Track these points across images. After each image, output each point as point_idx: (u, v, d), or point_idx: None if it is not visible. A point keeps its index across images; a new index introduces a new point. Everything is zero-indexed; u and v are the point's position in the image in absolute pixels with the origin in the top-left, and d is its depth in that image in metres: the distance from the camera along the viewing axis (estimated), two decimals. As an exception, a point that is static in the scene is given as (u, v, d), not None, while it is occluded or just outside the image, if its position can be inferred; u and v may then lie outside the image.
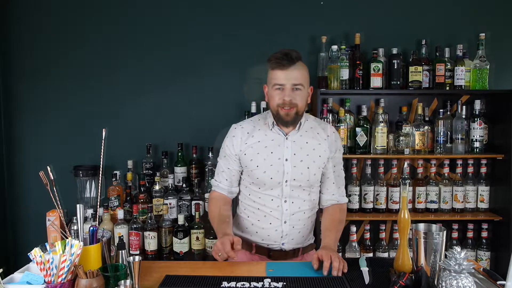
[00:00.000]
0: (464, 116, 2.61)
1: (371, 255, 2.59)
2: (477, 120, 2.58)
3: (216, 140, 2.75)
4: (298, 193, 1.71)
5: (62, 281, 1.20)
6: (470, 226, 2.60)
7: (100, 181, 1.53)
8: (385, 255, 2.60)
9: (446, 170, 2.64)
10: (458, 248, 1.17)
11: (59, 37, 2.80)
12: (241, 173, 1.80)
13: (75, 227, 1.40)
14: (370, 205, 2.64)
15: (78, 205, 1.37)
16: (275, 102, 1.64)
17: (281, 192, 1.69)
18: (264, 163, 1.68)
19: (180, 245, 2.37)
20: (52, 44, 2.80)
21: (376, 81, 2.56)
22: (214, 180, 1.84)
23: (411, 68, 2.56)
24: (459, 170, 2.66)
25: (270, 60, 1.64)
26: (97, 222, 1.56)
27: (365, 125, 2.59)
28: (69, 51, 2.80)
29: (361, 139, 2.58)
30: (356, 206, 2.63)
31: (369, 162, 2.66)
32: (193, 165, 2.68)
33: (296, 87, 1.62)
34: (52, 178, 1.40)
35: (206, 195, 2.52)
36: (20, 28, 2.80)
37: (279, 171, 1.67)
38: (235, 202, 1.91)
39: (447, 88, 2.60)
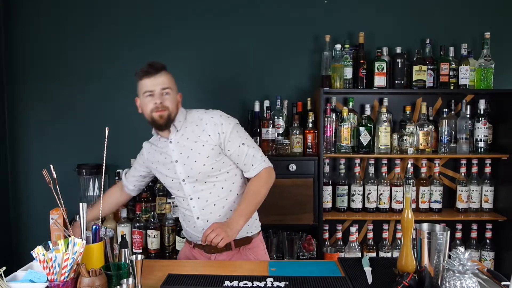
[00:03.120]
0: (468, 116, 2.60)
1: (374, 255, 2.59)
2: (481, 119, 2.56)
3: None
4: (201, 188, 1.75)
5: (65, 280, 1.20)
6: (474, 226, 2.59)
7: (103, 180, 1.53)
8: (388, 255, 2.60)
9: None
10: (462, 249, 1.16)
11: (62, 37, 2.80)
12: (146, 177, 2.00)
13: (78, 226, 1.40)
14: (373, 205, 2.63)
15: (81, 204, 1.37)
16: (148, 108, 1.74)
17: (184, 191, 1.77)
18: (164, 168, 1.81)
19: (182, 244, 2.37)
20: (55, 43, 2.80)
21: (380, 80, 2.55)
22: (126, 176, 2.04)
23: (415, 67, 2.55)
24: (463, 170, 2.64)
25: (138, 73, 1.76)
26: (100, 220, 1.56)
27: (368, 125, 2.58)
28: (72, 51, 2.80)
29: (365, 138, 2.57)
30: (359, 205, 2.63)
31: (372, 161, 2.65)
32: (196, 164, 2.67)
33: (165, 91, 1.73)
34: (55, 176, 1.41)
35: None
36: (23, 29, 2.81)
37: (175, 173, 1.77)
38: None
39: (451, 87, 2.59)
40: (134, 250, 2.32)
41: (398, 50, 2.58)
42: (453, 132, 2.62)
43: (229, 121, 1.78)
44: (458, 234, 2.64)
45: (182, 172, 1.75)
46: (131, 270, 1.29)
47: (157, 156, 1.83)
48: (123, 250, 1.42)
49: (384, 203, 2.62)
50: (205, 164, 1.73)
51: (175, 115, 1.77)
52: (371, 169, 2.65)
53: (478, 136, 2.58)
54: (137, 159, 1.97)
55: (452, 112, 2.67)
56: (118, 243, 1.46)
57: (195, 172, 1.73)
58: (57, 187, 1.39)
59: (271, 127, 2.53)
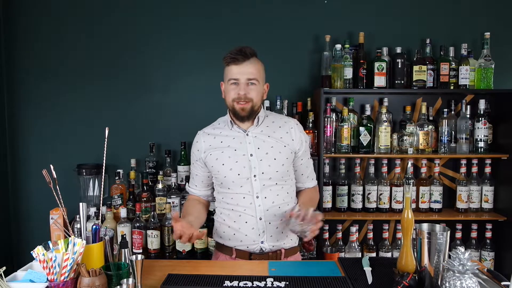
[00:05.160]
0: (468, 116, 2.60)
1: (374, 255, 2.59)
2: (481, 119, 2.56)
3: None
4: (270, 187, 1.70)
5: (65, 280, 1.20)
6: (474, 226, 2.59)
7: (103, 180, 1.53)
8: (388, 255, 2.60)
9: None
10: (462, 249, 1.16)
11: (62, 36, 2.80)
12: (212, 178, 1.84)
13: (78, 226, 1.40)
14: (373, 205, 2.63)
15: (81, 204, 1.37)
16: (231, 97, 1.70)
17: (251, 188, 1.69)
18: (229, 161, 1.71)
19: (182, 244, 2.37)
20: (55, 43, 2.80)
21: (380, 80, 2.55)
22: (187, 185, 1.93)
23: (415, 67, 2.55)
24: (463, 170, 2.64)
25: (226, 57, 1.69)
26: (100, 220, 1.56)
27: (368, 125, 2.58)
28: (72, 51, 2.80)
29: (365, 138, 2.57)
30: (359, 205, 2.63)
31: (372, 161, 2.65)
32: (196, 164, 2.67)
33: (251, 82, 1.67)
34: (55, 176, 1.41)
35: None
36: (23, 28, 2.81)
37: (245, 167, 1.69)
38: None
39: (451, 87, 2.59)
40: (134, 250, 2.32)
41: (398, 50, 2.58)
42: (453, 132, 2.62)
43: (306, 134, 1.85)
44: (458, 234, 2.63)
45: (257, 167, 1.68)
46: (131, 270, 1.29)
47: (221, 147, 1.73)
48: (123, 250, 1.42)
49: (384, 203, 2.62)
50: (284, 165, 1.72)
51: (259, 107, 1.74)
52: (371, 169, 2.65)
53: (478, 136, 2.58)
54: (195, 166, 1.82)
55: (452, 112, 2.67)
56: (118, 243, 1.46)
57: (272, 170, 1.69)
58: (57, 187, 1.39)
59: (271, 127, 2.52)
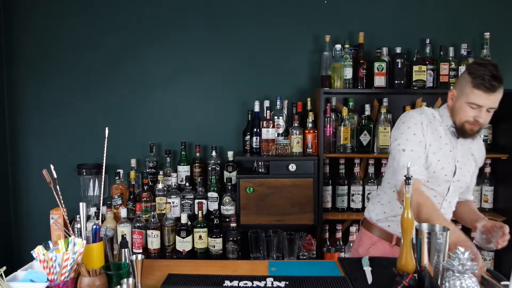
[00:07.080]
0: (468, 116, 2.59)
1: (374, 254, 2.58)
2: (481, 119, 2.56)
3: (219, 139, 2.76)
4: (456, 195, 1.75)
5: (65, 279, 1.20)
6: (474, 226, 2.59)
7: (103, 180, 1.53)
8: (388, 255, 2.59)
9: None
10: (461, 248, 1.16)
11: (62, 37, 2.81)
12: None
13: (78, 226, 1.40)
14: (373, 205, 2.63)
15: (81, 204, 1.37)
16: (465, 118, 1.63)
17: (446, 190, 1.71)
18: (443, 159, 1.67)
19: (183, 244, 2.37)
20: (56, 44, 2.81)
21: (380, 80, 2.55)
22: (414, 168, 1.57)
23: (415, 68, 2.55)
24: (463, 170, 2.64)
25: (475, 77, 1.59)
26: (100, 220, 1.56)
27: (368, 125, 2.58)
28: (72, 51, 2.80)
29: (365, 138, 2.57)
30: (359, 205, 2.63)
31: (372, 161, 2.65)
32: (196, 164, 2.68)
33: (491, 109, 1.63)
34: (55, 176, 1.41)
35: (209, 194, 2.53)
36: (24, 29, 2.81)
37: (451, 170, 1.70)
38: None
39: (451, 87, 2.59)
40: (134, 250, 2.32)
41: (398, 50, 2.58)
42: (453, 132, 2.61)
43: None
44: (458, 234, 2.63)
45: (457, 174, 1.70)
46: (131, 270, 1.29)
47: (440, 143, 1.68)
48: (123, 250, 1.42)
49: (384, 203, 2.62)
50: (471, 177, 1.78)
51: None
52: (371, 169, 2.65)
53: (478, 136, 2.58)
54: (411, 140, 1.63)
55: (452, 112, 2.67)
56: (118, 243, 1.46)
57: (465, 179, 1.73)
58: (57, 187, 1.39)
59: (271, 127, 2.53)
